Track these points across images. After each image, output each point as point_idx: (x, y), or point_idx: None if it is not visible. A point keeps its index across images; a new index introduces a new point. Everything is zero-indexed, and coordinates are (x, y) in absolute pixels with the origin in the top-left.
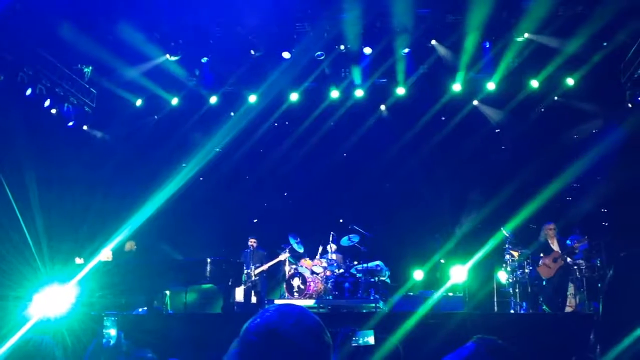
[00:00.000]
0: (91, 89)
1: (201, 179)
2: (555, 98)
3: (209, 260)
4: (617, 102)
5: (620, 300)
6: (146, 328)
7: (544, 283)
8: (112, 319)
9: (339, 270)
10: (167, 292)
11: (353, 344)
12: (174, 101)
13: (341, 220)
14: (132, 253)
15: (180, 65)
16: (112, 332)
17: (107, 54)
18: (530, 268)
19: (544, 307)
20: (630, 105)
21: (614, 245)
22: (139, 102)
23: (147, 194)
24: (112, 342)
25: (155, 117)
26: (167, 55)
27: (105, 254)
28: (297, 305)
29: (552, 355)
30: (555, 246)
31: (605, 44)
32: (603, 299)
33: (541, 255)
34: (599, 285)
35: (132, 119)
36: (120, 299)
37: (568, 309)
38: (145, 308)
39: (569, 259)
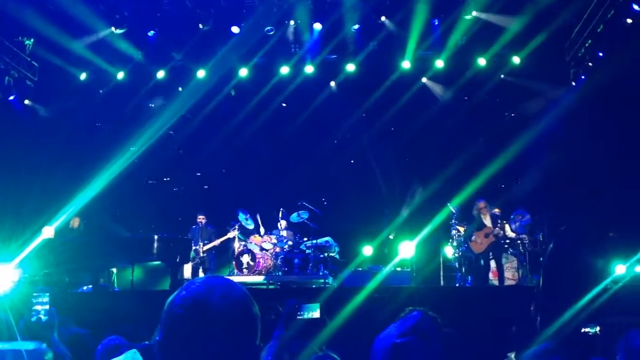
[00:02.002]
0: (33, 62)
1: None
2: (502, 76)
3: (156, 237)
4: (561, 80)
5: (558, 272)
6: (91, 306)
7: (480, 258)
8: (44, 295)
9: (288, 246)
10: (114, 270)
11: (299, 317)
12: (120, 75)
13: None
14: (78, 230)
15: (126, 38)
16: (42, 308)
17: (49, 26)
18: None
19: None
20: (573, 84)
21: (556, 220)
22: (83, 76)
23: (93, 171)
24: (43, 318)
25: (101, 91)
26: (113, 28)
27: (48, 231)
28: (225, 278)
29: (495, 326)
30: (487, 222)
31: (550, 23)
32: (543, 272)
33: (474, 231)
34: (541, 259)
35: (77, 93)
36: (65, 277)
37: (511, 282)
38: (91, 286)
39: (508, 233)
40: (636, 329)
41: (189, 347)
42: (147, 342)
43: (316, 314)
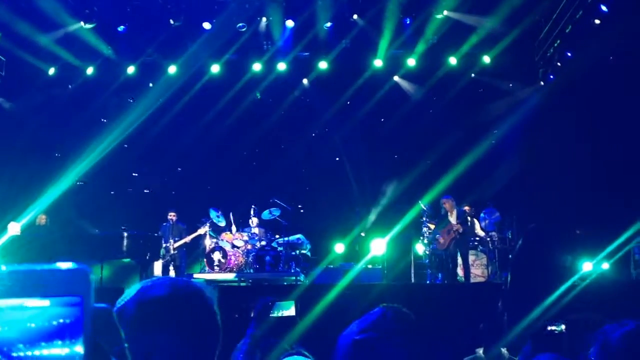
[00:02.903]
0: (0, 57)
1: (125, 145)
2: (473, 75)
3: (125, 234)
4: (530, 80)
5: (526, 269)
6: None
7: (444, 255)
8: None
9: (260, 243)
10: None
11: (272, 315)
12: (89, 70)
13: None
14: (45, 227)
15: (95, 33)
16: None
17: (17, 19)
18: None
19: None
20: (542, 83)
21: (525, 218)
22: (51, 71)
23: (61, 167)
24: None
25: (70, 86)
26: (82, 23)
27: (14, 228)
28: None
29: (464, 322)
30: (452, 219)
31: (519, 23)
32: (511, 269)
33: (441, 228)
34: (510, 256)
35: (45, 88)
36: None
37: (481, 279)
38: None
39: (482, 233)
40: (613, 323)
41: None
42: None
43: (290, 311)
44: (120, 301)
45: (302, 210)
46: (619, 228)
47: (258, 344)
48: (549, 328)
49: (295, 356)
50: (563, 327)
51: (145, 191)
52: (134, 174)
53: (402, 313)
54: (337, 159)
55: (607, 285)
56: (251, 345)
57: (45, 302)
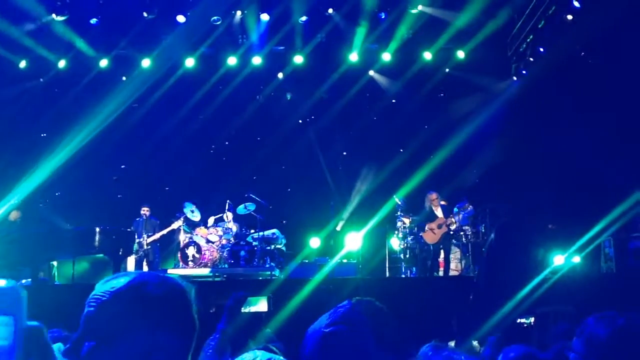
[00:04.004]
0: None
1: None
2: (447, 70)
3: (97, 229)
4: (503, 74)
5: (497, 263)
6: (30, 300)
7: (431, 248)
8: None
9: (235, 238)
10: (54, 263)
11: (244, 310)
12: (61, 63)
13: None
14: (17, 224)
15: (67, 25)
16: None
17: None
18: (420, 235)
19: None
20: (515, 78)
21: (497, 212)
22: (23, 64)
23: (33, 162)
24: None
25: (41, 79)
26: (54, 15)
27: None
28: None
29: (436, 316)
30: (439, 213)
31: (492, 18)
32: (483, 262)
33: (427, 222)
34: (483, 249)
35: (16, 81)
36: (4, 271)
37: (454, 273)
38: (30, 280)
39: (454, 226)
40: (594, 315)
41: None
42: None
43: (262, 306)
44: (103, 295)
45: (270, 207)
46: (589, 222)
47: (229, 339)
48: (519, 321)
49: (259, 351)
50: (532, 319)
51: (114, 178)
52: (108, 171)
53: (372, 306)
54: (313, 153)
55: (577, 279)
56: (221, 341)
57: None
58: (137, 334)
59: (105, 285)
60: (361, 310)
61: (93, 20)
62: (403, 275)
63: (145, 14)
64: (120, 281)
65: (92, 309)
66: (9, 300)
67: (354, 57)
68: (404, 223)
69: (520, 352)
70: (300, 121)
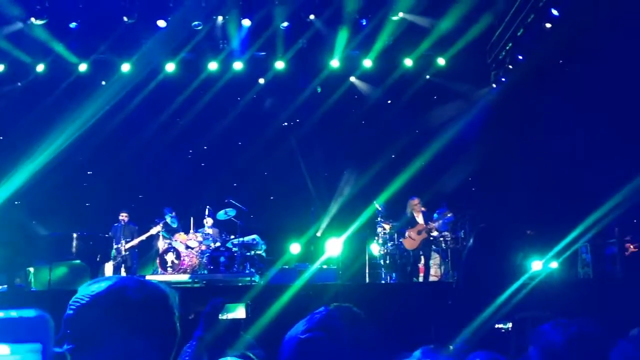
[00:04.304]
0: None
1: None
2: (428, 77)
3: (74, 235)
4: (483, 82)
5: (476, 269)
6: (6, 306)
7: (411, 254)
8: None
9: (214, 244)
10: (31, 269)
11: (222, 317)
12: (40, 68)
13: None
14: None
15: (46, 30)
16: None
17: None
18: (400, 241)
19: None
20: (494, 86)
21: (477, 218)
22: (0, 68)
23: (11, 166)
24: None
25: (19, 84)
26: (32, 19)
27: None
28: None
29: (416, 321)
30: (420, 219)
31: (472, 25)
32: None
33: (407, 228)
34: (462, 255)
35: None
36: None
37: (434, 278)
38: (6, 286)
39: (435, 232)
40: (549, 322)
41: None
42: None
43: (240, 313)
44: (83, 299)
45: (252, 216)
46: (567, 228)
47: (206, 346)
48: (497, 326)
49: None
50: (510, 325)
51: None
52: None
53: (349, 312)
54: (293, 159)
55: (555, 284)
56: (198, 348)
57: (5, 350)
58: (114, 339)
59: (87, 289)
60: (338, 316)
61: (72, 25)
62: (383, 281)
63: (125, 19)
64: (102, 285)
65: (71, 312)
66: (38, 328)
67: (335, 63)
68: (384, 229)
69: (486, 358)
70: (282, 126)
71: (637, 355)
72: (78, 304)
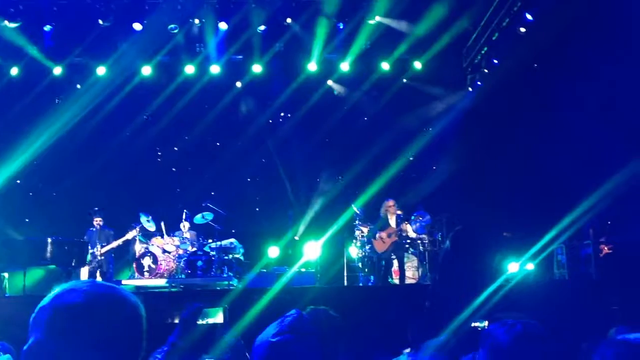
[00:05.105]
0: None
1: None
2: (405, 80)
3: (49, 240)
4: (459, 85)
5: (452, 271)
6: None
7: (383, 257)
8: None
9: (192, 248)
10: (5, 275)
11: (200, 322)
12: (14, 71)
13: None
14: None
15: (20, 32)
16: None
17: None
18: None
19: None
20: (470, 89)
21: (454, 220)
22: None
23: None
24: None
25: None
26: (6, 22)
27: None
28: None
29: (394, 324)
30: (392, 222)
31: (448, 29)
32: (438, 270)
33: (378, 230)
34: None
35: None
36: None
37: (411, 281)
38: None
39: (413, 235)
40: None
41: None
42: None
43: (219, 318)
44: (40, 305)
45: (229, 220)
46: (543, 230)
47: (179, 353)
48: (473, 324)
49: None
50: (486, 323)
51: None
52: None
53: (323, 315)
54: (271, 162)
55: (531, 285)
56: (169, 354)
57: None
58: (49, 343)
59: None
60: (311, 319)
61: (47, 27)
62: (361, 284)
63: (100, 22)
64: (52, 293)
65: (31, 320)
66: None
67: (312, 66)
68: (362, 232)
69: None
70: (259, 129)
71: (617, 357)
72: (36, 311)
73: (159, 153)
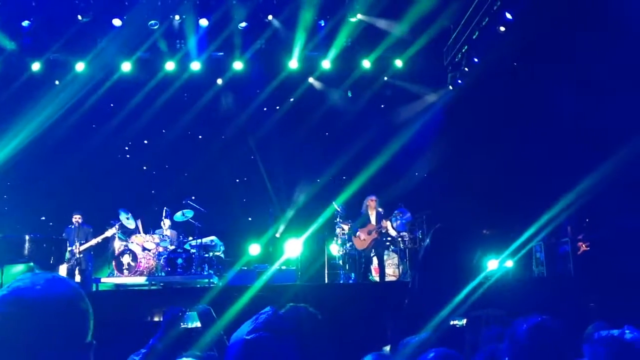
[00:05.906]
0: None
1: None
2: (386, 78)
3: (27, 237)
4: (440, 84)
5: (432, 268)
6: None
7: (362, 254)
8: None
9: (172, 246)
10: None
11: (182, 326)
12: None
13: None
14: None
15: None
16: None
17: None
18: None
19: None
20: (451, 87)
21: (434, 218)
22: None
23: None
24: None
25: None
26: None
27: None
28: (51, 273)
29: (373, 321)
30: (373, 219)
31: (429, 28)
32: (418, 268)
33: (359, 227)
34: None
35: None
36: None
37: (392, 278)
38: None
39: (393, 233)
40: (522, 318)
41: (10, 346)
42: None
43: (198, 323)
44: None
45: (210, 217)
46: (522, 227)
47: (157, 355)
48: (452, 322)
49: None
50: (464, 321)
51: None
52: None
53: (301, 312)
54: (252, 159)
55: (510, 282)
56: (147, 356)
57: None
58: (17, 349)
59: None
60: (289, 316)
61: (25, 23)
62: (342, 282)
63: (80, 17)
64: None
65: None
66: None
67: (293, 64)
68: (343, 229)
69: (439, 353)
70: (240, 127)
71: (611, 355)
72: None
73: (139, 150)
